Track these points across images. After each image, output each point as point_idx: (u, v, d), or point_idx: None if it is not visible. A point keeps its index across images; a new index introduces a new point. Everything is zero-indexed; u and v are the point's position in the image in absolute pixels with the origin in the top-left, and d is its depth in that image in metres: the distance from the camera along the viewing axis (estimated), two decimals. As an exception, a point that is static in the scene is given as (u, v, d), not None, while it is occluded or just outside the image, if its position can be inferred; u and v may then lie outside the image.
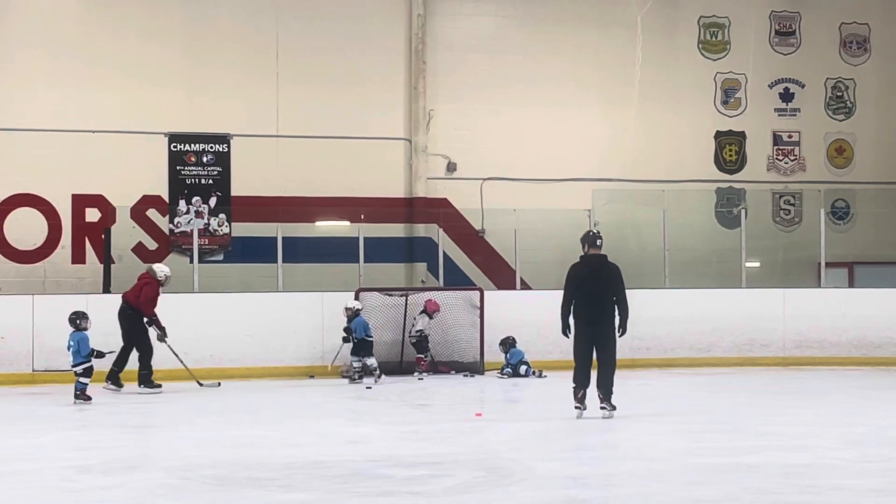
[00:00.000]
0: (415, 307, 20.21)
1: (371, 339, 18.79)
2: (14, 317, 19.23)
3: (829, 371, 20.78)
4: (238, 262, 23.10)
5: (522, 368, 19.51)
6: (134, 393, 17.22)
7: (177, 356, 17.83)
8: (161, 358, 18.00)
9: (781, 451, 10.97)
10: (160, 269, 18.24)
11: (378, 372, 18.54)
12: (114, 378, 17.41)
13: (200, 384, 17.75)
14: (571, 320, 14.21)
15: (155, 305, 17.80)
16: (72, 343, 15.82)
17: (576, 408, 13.67)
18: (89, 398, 15.65)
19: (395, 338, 20.26)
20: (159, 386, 17.50)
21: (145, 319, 17.67)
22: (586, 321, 14.01)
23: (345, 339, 18.73)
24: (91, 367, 15.72)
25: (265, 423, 14.37)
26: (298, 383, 17.71)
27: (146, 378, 17.53)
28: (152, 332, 17.68)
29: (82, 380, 15.67)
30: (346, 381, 18.57)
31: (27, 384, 18.67)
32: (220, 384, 17.93)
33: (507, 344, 19.80)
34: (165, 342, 17.73)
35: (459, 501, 8.61)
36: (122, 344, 17.57)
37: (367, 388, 17.84)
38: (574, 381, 13.82)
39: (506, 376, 19.54)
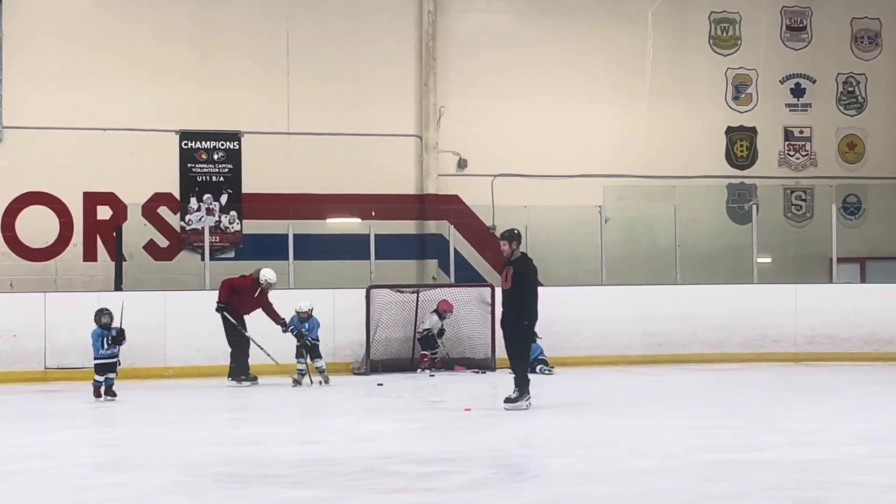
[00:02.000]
0: (425, 304, 20.22)
1: (317, 342, 17.97)
2: (26, 314, 19.27)
3: (841, 366, 20.74)
4: (249, 259, 23.04)
5: (538, 367, 19.46)
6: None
7: (259, 347, 17.95)
8: (177, 355, 18.07)
9: (794, 447, 10.96)
10: (265, 274, 18.31)
11: (324, 374, 17.95)
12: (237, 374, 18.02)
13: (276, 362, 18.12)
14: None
15: (230, 295, 18.08)
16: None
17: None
18: (111, 395, 15.61)
19: (405, 335, 20.28)
20: (254, 379, 17.94)
21: (215, 306, 17.95)
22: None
23: (304, 345, 17.85)
24: (102, 365, 15.65)
25: (277, 420, 14.38)
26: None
27: (232, 371, 18.01)
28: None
29: (96, 377, 15.66)
30: (304, 383, 17.79)
31: (39, 382, 18.70)
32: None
33: None
34: (244, 334, 18.04)
35: (472, 498, 8.60)
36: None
37: (378, 384, 17.82)
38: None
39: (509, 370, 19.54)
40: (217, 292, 18.22)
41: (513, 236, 14.55)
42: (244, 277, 18.48)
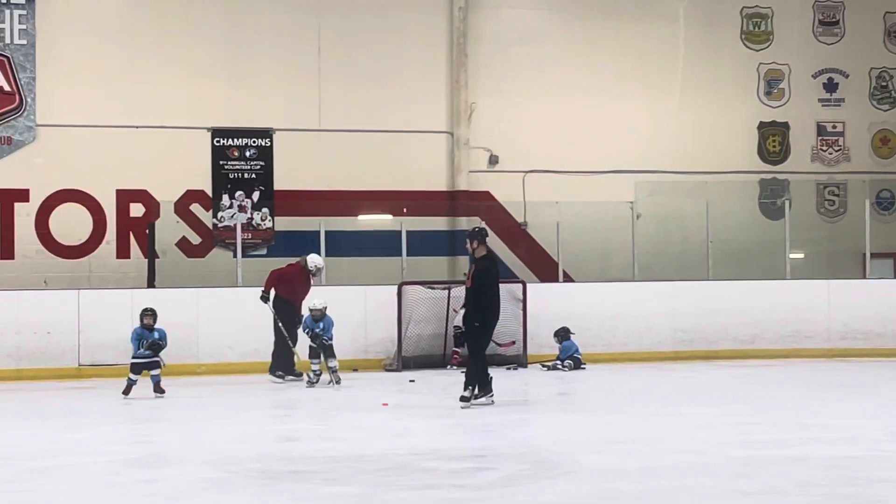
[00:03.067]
0: (457, 300, 20.18)
1: (331, 340, 17.12)
2: (60, 312, 19.35)
3: (875, 362, 20.63)
4: (281, 256, 23.02)
5: (567, 364, 19.44)
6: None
7: (288, 341, 17.99)
8: (209, 352, 18.14)
9: (827, 444, 10.92)
10: (312, 259, 18.38)
11: (336, 374, 17.08)
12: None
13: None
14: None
15: (275, 285, 18.10)
16: None
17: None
18: (160, 392, 15.62)
19: (437, 331, 20.26)
20: (297, 375, 17.90)
21: (259, 295, 18.03)
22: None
23: (319, 344, 17.07)
24: (138, 364, 15.66)
25: (309, 416, 14.42)
26: (342, 377, 17.72)
27: (271, 367, 18.06)
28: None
29: (130, 375, 15.68)
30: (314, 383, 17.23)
31: (73, 378, 18.79)
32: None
33: (560, 336, 19.79)
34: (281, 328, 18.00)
35: (504, 494, 8.60)
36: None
37: (410, 381, 17.81)
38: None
39: (545, 369, 19.52)
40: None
41: (475, 235, 14.33)
42: (291, 266, 18.55)
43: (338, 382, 16.97)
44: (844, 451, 10.40)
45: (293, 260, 18.94)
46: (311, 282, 18.26)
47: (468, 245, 14.32)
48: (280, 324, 17.82)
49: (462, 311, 19.92)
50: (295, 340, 17.90)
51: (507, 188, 24.44)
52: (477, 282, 14.07)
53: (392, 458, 10.26)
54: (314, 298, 17.41)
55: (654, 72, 25.32)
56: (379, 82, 24.02)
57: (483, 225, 16.17)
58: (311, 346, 17.14)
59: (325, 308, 17.14)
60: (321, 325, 17.02)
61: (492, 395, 14.13)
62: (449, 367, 19.73)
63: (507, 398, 16.20)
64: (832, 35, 26.35)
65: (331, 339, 17.04)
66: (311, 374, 17.12)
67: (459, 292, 20.19)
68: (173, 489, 8.99)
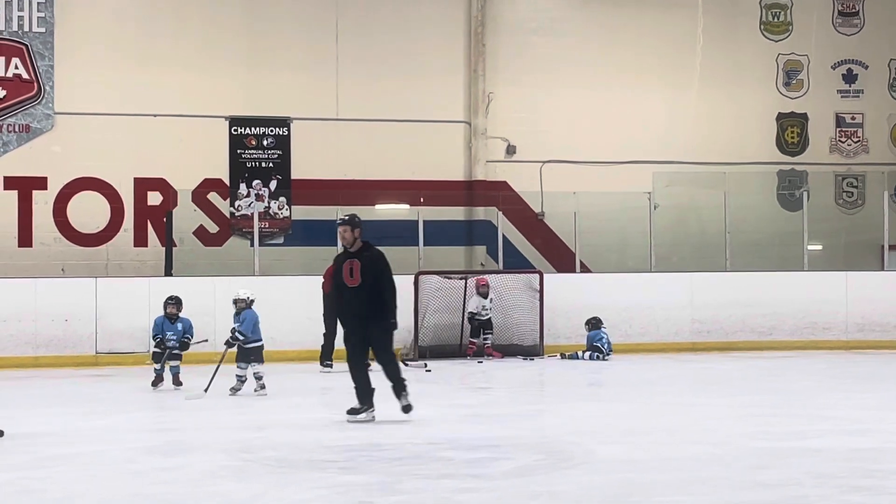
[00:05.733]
0: (474, 290, 20.20)
1: (260, 343, 15.01)
2: (78, 299, 19.42)
3: (892, 354, 20.59)
4: (298, 245, 23.18)
5: (586, 354, 19.45)
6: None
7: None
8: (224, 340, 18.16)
9: (845, 436, 10.89)
10: None
11: (262, 381, 14.90)
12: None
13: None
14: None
15: (326, 280, 17.95)
16: None
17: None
18: (177, 384, 15.50)
19: (454, 321, 20.28)
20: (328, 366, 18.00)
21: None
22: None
23: (228, 343, 15.01)
24: (158, 353, 15.61)
25: (325, 405, 14.42)
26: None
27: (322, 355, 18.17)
28: None
29: (155, 366, 15.61)
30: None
31: (90, 366, 18.84)
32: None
33: (589, 325, 19.81)
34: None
35: (520, 484, 8.60)
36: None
37: (427, 370, 17.80)
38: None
39: (564, 358, 19.54)
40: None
41: (355, 222, 12.30)
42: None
43: (262, 389, 14.83)
44: (861, 443, 10.38)
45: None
46: None
47: (347, 234, 12.21)
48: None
49: (475, 297, 19.94)
50: (335, 329, 18.00)
51: (525, 178, 24.42)
52: (371, 277, 12.12)
53: (408, 448, 10.27)
54: (240, 288, 15.60)
55: (673, 62, 25.26)
56: (396, 72, 24.01)
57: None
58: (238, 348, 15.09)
59: (250, 299, 15.16)
60: (239, 318, 14.99)
61: (373, 410, 12.14)
62: (468, 358, 19.67)
63: (524, 388, 16.23)
64: (851, 26, 26.25)
65: (246, 337, 14.88)
66: (236, 381, 14.92)
67: (473, 282, 20.23)
68: (190, 477, 9.01)
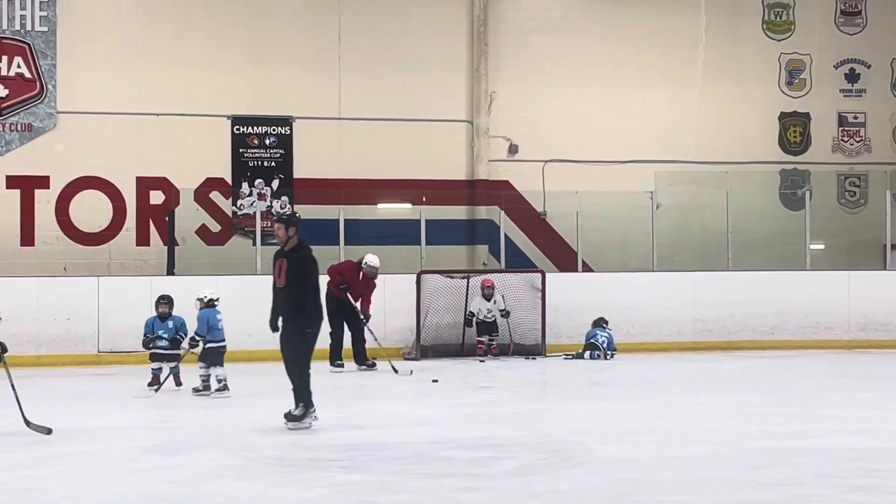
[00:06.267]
0: (476, 289, 20.19)
1: (219, 344, 14.92)
2: (80, 298, 19.41)
3: (895, 354, 20.57)
4: (300, 244, 23.16)
5: (586, 353, 19.45)
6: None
7: (374, 337, 18.11)
8: (228, 339, 18.14)
9: (847, 435, 10.90)
10: (368, 259, 18.33)
11: (223, 383, 14.78)
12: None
13: (396, 371, 17.59)
14: None
15: (337, 276, 18.10)
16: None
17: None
18: (177, 384, 15.38)
19: (456, 320, 20.26)
20: (339, 365, 17.96)
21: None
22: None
23: (192, 343, 15.05)
24: (153, 354, 15.57)
25: (327, 404, 14.42)
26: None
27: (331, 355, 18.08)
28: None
29: (152, 366, 15.56)
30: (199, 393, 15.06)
31: (92, 365, 18.84)
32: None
33: (592, 325, 19.82)
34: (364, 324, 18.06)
35: (521, 483, 8.61)
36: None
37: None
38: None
39: (568, 358, 19.53)
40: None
41: (290, 220, 12.03)
42: (347, 261, 18.77)
43: (224, 389, 14.73)
44: (863, 442, 10.38)
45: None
46: (364, 280, 18.21)
47: (281, 231, 11.97)
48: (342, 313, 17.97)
49: (477, 299, 19.92)
50: (341, 327, 18.10)
51: (527, 177, 24.41)
52: (295, 277, 11.75)
53: (410, 447, 10.28)
54: (204, 288, 15.49)
55: (675, 61, 25.24)
56: (399, 71, 24.00)
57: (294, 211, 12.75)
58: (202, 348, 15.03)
59: (209, 299, 15.11)
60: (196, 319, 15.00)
61: (314, 411, 11.88)
62: (478, 358, 19.54)
63: (526, 388, 16.23)
64: (854, 25, 26.23)
65: (214, 340, 14.85)
66: (200, 383, 14.90)
67: (478, 282, 20.22)
68: (192, 476, 9.02)
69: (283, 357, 12.02)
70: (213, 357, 14.82)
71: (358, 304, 18.04)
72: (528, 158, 24.47)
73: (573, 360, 19.42)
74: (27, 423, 11.25)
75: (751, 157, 25.48)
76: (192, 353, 15.29)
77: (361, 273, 18.19)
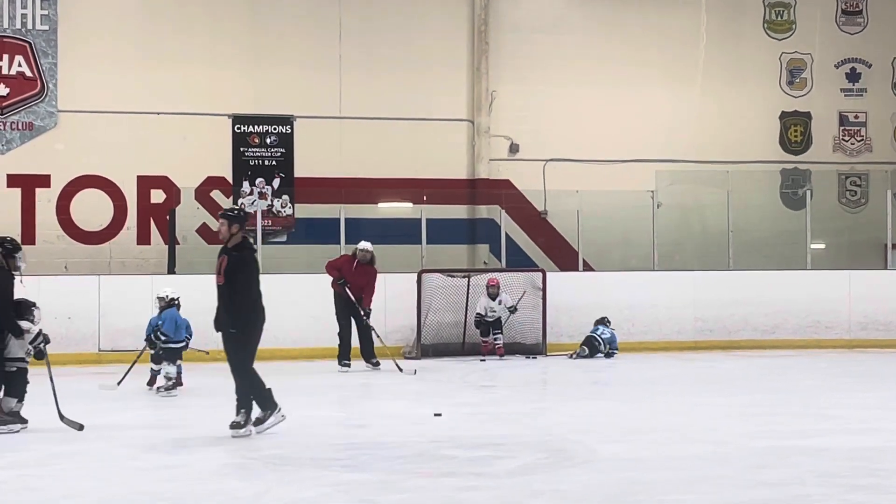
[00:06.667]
0: (477, 288, 20.17)
1: (181, 344, 14.88)
2: (80, 297, 19.41)
3: (895, 353, 20.58)
4: (301, 243, 23.17)
5: (584, 350, 19.48)
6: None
7: (376, 334, 18.10)
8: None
9: (847, 435, 10.90)
10: (359, 244, 18.35)
11: (172, 382, 14.79)
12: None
13: (401, 369, 17.58)
14: None
15: (334, 271, 18.08)
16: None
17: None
18: (178, 384, 15.19)
19: (456, 319, 20.24)
20: (346, 365, 17.87)
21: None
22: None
23: (150, 342, 14.89)
24: (154, 355, 15.46)
25: (329, 403, 14.44)
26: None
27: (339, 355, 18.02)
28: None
29: (153, 366, 15.45)
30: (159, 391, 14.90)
31: (93, 364, 18.84)
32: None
33: (597, 323, 19.83)
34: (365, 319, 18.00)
35: (522, 483, 8.61)
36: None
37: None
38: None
39: (573, 357, 19.53)
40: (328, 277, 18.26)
41: (232, 217, 11.50)
42: (342, 255, 18.76)
43: (164, 389, 14.69)
44: (864, 442, 10.38)
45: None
46: (360, 268, 18.11)
47: (224, 227, 11.37)
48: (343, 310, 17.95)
49: (483, 298, 19.90)
50: (349, 327, 18.03)
51: (528, 177, 24.40)
52: (231, 276, 11.28)
53: (411, 446, 10.28)
54: (164, 287, 15.59)
55: (676, 61, 25.23)
56: (400, 70, 23.99)
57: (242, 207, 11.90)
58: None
59: (171, 298, 15.12)
60: (160, 320, 15.01)
61: (280, 411, 11.38)
62: (482, 359, 19.46)
63: (527, 387, 16.23)
64: (855, 24, 26.21)
65: (178, 340, 14.82)
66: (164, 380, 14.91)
67: (479, 281, 20.21)
68: (193, 475, 9.02)
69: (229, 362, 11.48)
70: (172, 355, 14.75)
71: (360, 302, 18.00)
72: (529, 157, 24.47)
73: (577, 359, 19.37)
74: (61, 417, 11.34)
75: (751, 156, 25.46)
76: (149, 351, 15.29)
77: (356, 261, 18.15)
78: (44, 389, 11.42)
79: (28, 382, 11.77)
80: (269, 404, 11.32)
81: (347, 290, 17.92)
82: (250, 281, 11.33)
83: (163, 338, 14.72)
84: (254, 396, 11.30)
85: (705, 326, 21.27)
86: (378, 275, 18.30)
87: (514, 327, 20.09)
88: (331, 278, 18.10)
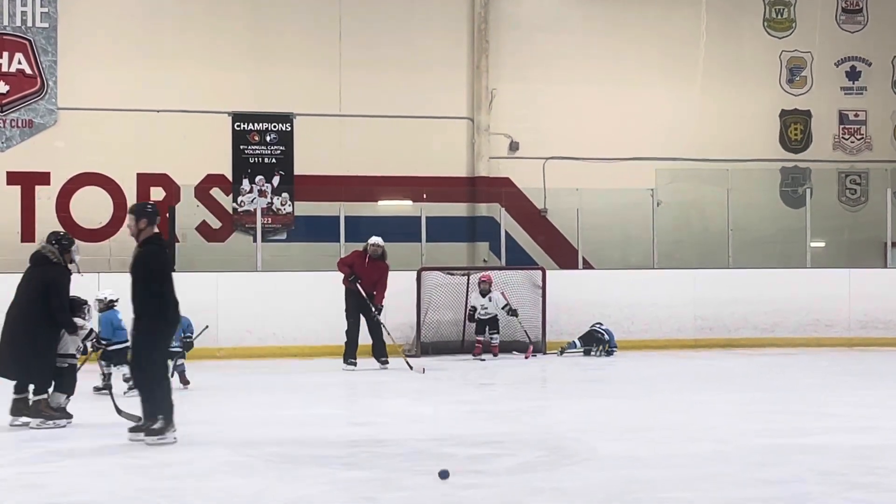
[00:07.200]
0: (475, 287, 20.17)
1: (124, 345, 13.79)
2: (80, 295, 19.31)
3: (895, 352, 20.58)
4: (301, 240, 23.18)
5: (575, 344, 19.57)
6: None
7: (386, 331, 18.08)
8: (228, 336, 18.21)
9: (847, 433, 10.89)
10: (370, 240, 18.22)
11: (107, 383, 14.24)
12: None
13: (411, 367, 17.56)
14: None
15: (346, 267, 17.99)
16: None
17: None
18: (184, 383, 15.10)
19: (456, 317, 20.25)
20: (352, 364, 17.72)
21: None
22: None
23: (94, 346, 13.42)
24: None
25: (329, 401, 14.44)
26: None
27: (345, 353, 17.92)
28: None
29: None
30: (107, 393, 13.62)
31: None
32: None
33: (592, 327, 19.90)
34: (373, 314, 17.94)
35: (521, 481, 8.61)
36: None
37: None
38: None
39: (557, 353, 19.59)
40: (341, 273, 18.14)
41: (139, 212, 10.92)
42: (353, 251, 18.56)
43: (101, 389, 14.30)
44: (864, 440, 10.39)
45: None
46: (372, 263, 18.02)
47: (132, 223, 10.83)
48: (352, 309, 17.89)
49: (474, 295, 19.87)
50: (357, 325, 17.94)
51: (528, 175, 24.40)
52: (134, 273, 10.72)
53: (411, 444, 10.27)
54: (104, 289, 15.22)
55: (676, 59, 25.23)
56: (400, 68, 23.99)
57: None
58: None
59: (110, 300, 14.82)
60: (99, 322, 14.51)
61: (174, 430, 10.54)
62: (474, 357, 19.44)
63: (526, 385, 16.23)
64: (855, 23, 26.22)
65: (119, 341, 14.25)
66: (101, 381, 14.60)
67: (479, 279, 20.20)
68: (193, 472, 9.02)
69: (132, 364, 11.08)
70: (118, 357, 14.26)
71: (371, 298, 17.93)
72: (529, 155, 24.47)
73: (565, 354, 19.42)
74: (118, 411, 11.31)
75: (751, 154, 25.47)
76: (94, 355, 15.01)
77: (367, 257, 18.08)
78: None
79: (76, 379, 11.92)
80: (169, 420, 10.54)
81: (359, 287, 17.83)
82: (147, 279, 10.60)
83: (104, 342, 13.82)
84: (154, 400, 10.59)
85: (705, 324, 21.28)
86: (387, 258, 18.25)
87: (513, 325, 20.05)
88: (342, 275, 17.98)
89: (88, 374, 14.57)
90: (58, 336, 11.71)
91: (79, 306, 12.24)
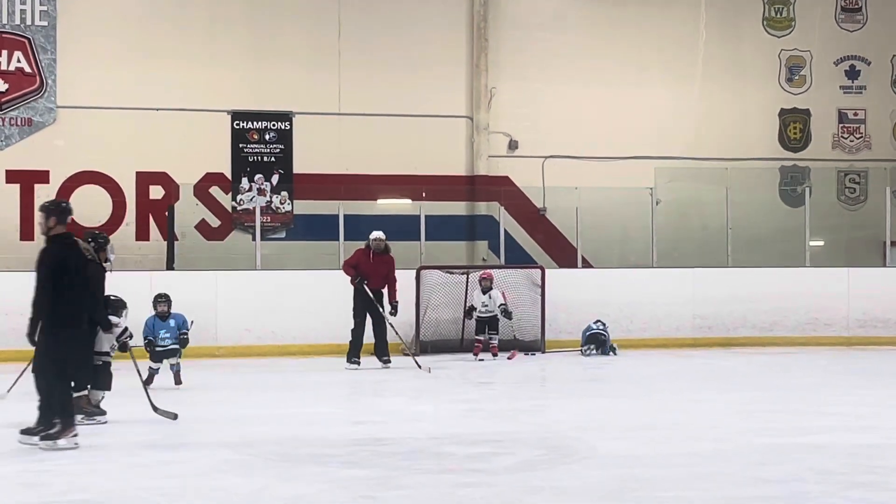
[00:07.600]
0: (476, 285, 20.16)
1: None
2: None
3: (894, 350, 20.58)
4: (300, 239, 23.17)
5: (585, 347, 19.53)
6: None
7: (395, 330, 18.04)
8: (227, 334, 18.17)
9: (847, 432, 10.90)
10: (371, 235, 18.17)
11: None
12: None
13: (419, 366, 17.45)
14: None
15: (350, 269, 17.90)
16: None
17: None
18: (178, 383, 15.04)
19: (455, 316, 20.25)
20: (356, 363, 17.64)
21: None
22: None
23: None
24: (157, 353, 15.27)
25: (328, 400, 14.44)
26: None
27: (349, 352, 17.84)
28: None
29: (152, 365, 15.27)
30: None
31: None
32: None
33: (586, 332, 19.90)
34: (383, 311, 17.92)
35: (520, 479, 8.61)
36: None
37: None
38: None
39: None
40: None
41: (48, 209, 10.78)
42: (356, 250, 18.40)
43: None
44: (863, 439, 10.39)
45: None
46: (377, 258, 17.99)
47: (43, 220, 10.69)
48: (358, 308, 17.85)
49: (476, 292, 19.86)
50: (363, 325, 17.90)
51: (527, 173, 24.39)
52: (37, 273, 10.44)
53: (410, 443, 10.28)
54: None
55: (675, 58, 25.22)
56: (399, 66, 23.98)
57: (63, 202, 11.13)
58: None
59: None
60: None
61: (74, 435, 10.23)
62: (473, 357, 19.38)
63: (525, 384, 16.23)
64: (854, 22, 26.21)
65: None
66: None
67: (478, 277, 20.19)
68: (193, 471, 9.02)
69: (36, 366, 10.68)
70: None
71: (382, 299, 17.88)
72: (528, 154, 24.47)
73: (587, 355, 19.41)
74: (155, 408, 11.49)
75: (751, 153, 25.48)
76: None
77: (371, 253, 18.02)
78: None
79: (112, 376, 12.18)
80: (69, 423, 10.25)
81: (366, 287, 17.76)
82: (40, 278, 10.34)
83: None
84: (51, 405, 10.29)
85: (704, 323, 21.29)
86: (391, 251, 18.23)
87: (512, 324, 20.03)
88: (348, 277, 17.90)
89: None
90: (94, 333, 11.73)
91: (115, 304, 12.59)
